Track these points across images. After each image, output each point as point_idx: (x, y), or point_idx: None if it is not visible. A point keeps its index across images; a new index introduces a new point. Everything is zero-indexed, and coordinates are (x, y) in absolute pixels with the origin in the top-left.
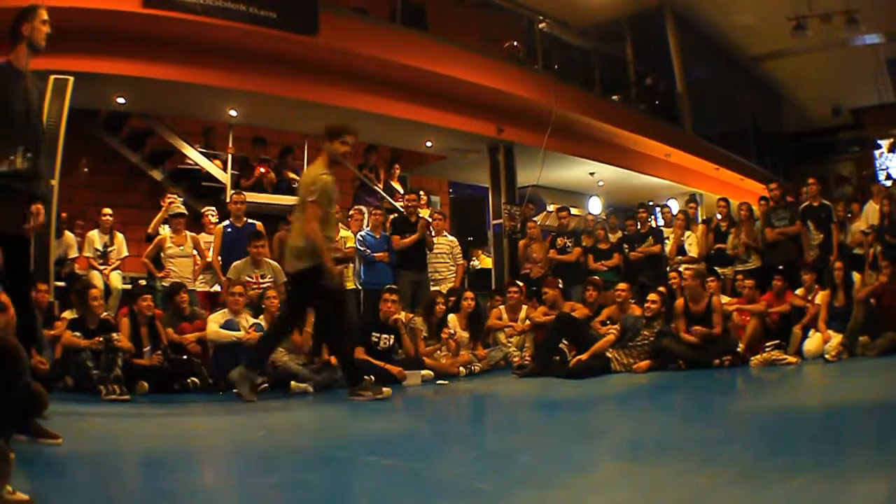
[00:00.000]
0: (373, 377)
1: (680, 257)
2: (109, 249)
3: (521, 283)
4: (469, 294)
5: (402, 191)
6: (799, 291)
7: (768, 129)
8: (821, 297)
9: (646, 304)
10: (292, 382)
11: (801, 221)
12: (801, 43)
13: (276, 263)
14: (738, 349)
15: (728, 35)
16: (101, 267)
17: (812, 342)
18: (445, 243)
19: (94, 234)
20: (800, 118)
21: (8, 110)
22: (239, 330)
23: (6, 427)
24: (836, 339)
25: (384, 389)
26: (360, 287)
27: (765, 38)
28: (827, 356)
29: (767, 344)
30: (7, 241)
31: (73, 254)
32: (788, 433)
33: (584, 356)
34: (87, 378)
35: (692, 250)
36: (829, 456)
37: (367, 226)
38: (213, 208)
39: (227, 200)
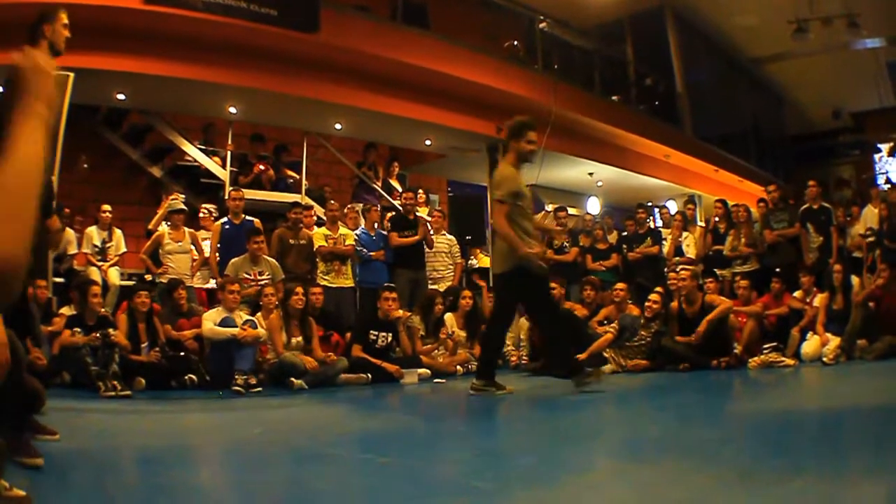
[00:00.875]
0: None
1: (678, 258)
2: (108, 246)
3: None
4: (467, 293)
5: (400, 189)
6: (797, 294)
7: (769, 131)
8: (819, 299)
9: (647, 304)
10: (292, 378)
11: (801, 224)
12: (803, 46)
13: (273, 261)
14: (736, 351)
15: (729, 36)
16: (100, 263)
17: (810, 345)
18: (444, 242)
19: (92, 230)
20: (800, 121)
21: None
22: (235, 327)
23: (1, 423)
24: (834, 341)
25: (596, 371)
26: (356, 285)
27: (766, 40)
28: (825, 359)
29: (765, 346)
30: None
31: (73, 250)
32: (786, 435)
33: (582, 356)
34: (85, 374)
35: (690, 251)
36: (828, 458)
37: (364, 223)
38: (209, 205)
39: (226, 197)
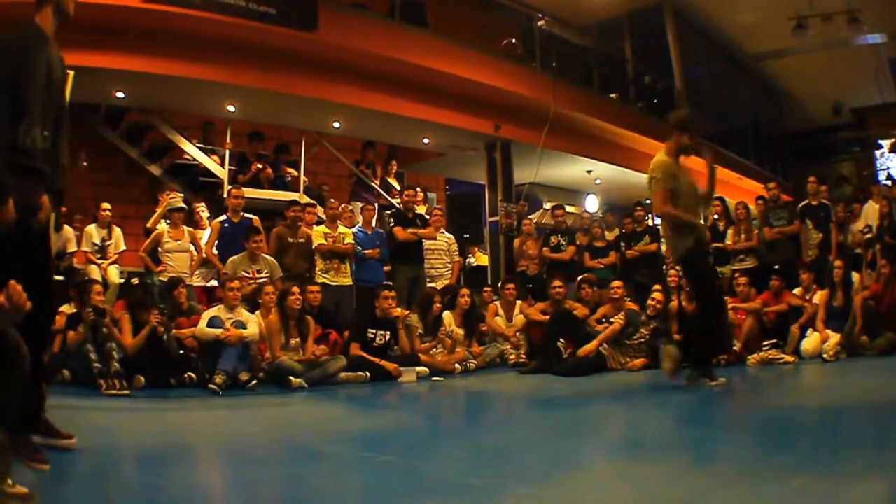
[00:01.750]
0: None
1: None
2: (107, 244)
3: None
4: (465, 291)
5: (399, 187)
6: (797, 291)
7: (769, 128)
8: (819, 296)
9: (649, 303)
10: (290, 377)
11: (800, 220)
12: (802, 42)
13: (272, 259)
14: (735, 348)
15: (728, 33)
16: (99, 261)
17: (810, 342)
18: (443, 240)
19: (91, 228)
20: (801, 117)
21: (29, 78)
22: (222, 326)
23: (6, 420)
24: (834, 338)
25: (720, 379)
26: (354, 283)
27: (765, 36)
28: (825, 356)
29: (764, 343)
30: (26, 226)
31: (72, 248)
32: (786, 432)
33: (590, 346)
34: (86, 372)
35: None
36: (828, 455)
37: (360, 222)
38: (204, 204)
39: (226, 195)
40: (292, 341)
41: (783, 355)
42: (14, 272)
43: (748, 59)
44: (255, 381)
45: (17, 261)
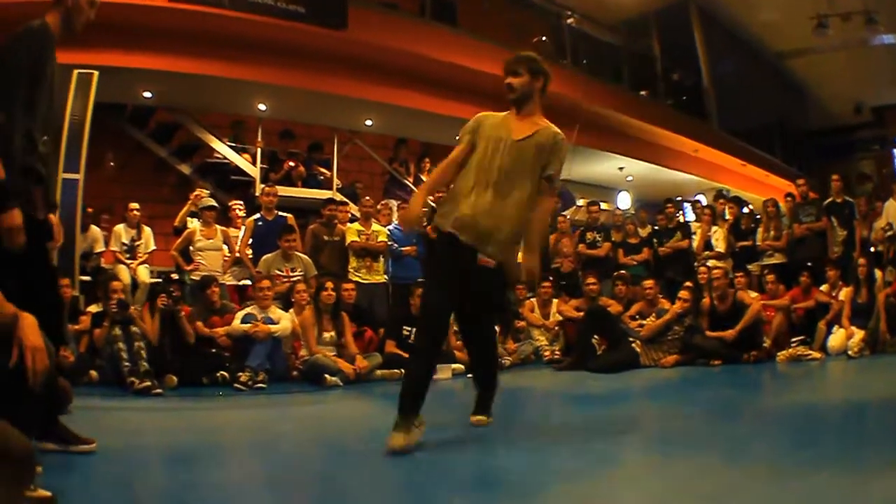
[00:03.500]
0: (403, 371)
1: (707, 252)
2: (137, 243)
3: (548, 282)
4: None
5: None
6: (823, 287)
7: (792, 125)
8: (844, 293)
9: (677, 302)
10: (326, 375)
11: (826, 218)
12: (823, 41)
13: (306, 257)
14: (765, 345)
15: (752, 31)
16: (128, 261)
17: (836, 338)
18: None
19: (120, 228)
20: (822, 115)
21: (42, 77)
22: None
23: (32, 426)
24: (858, 335)
25: None
26: (388, 281)
27: (788, 35)
28: (850, 352)
29: (793, 339)
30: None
31: (99, 248)
32: (813, 428)
33: (659, 320)
34: (116, 371)
35: (719, 245)
36: (852, 451)
37: (396, 220)
38: (241, 202)
39: (258, 194)
40: (326, 335)
41: (810, 352)
42: (16, 280)
43: (772, 57)
44: (264, 383)
45: (19, 268)
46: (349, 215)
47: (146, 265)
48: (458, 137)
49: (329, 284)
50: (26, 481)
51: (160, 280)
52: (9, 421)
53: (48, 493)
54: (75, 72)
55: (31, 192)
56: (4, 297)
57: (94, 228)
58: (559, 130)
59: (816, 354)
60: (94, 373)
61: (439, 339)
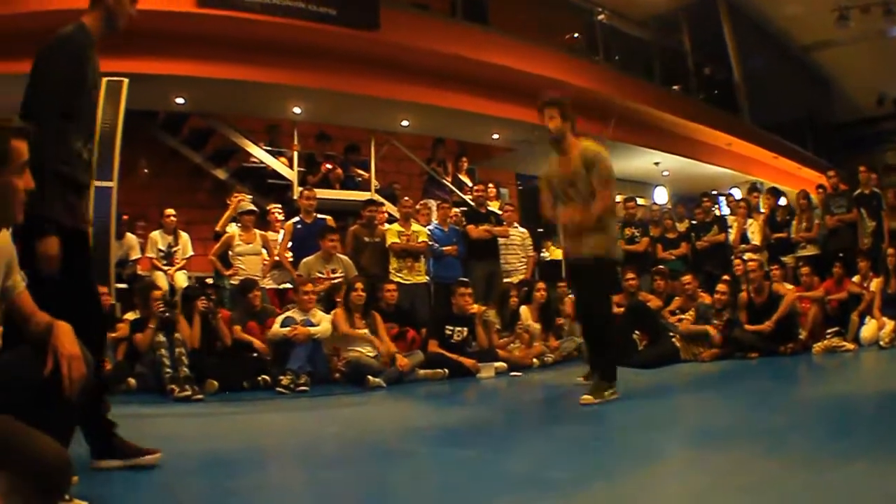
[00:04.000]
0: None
1: (743, 245)
2: (174, 249)
3: None
4: (541, 285)
5: (470, 184)
6: (855, 278)
7: (819, 118)
8: (875, 283)
9: (715, 296)
10: (369, 377)
11: (856, 209)
12: (845, 33)
13: (346, 258)
14: (801, 336)
15: (778, 25)
16: (165, 267)
17: (868, 329)
18: (516, 235)
19: (156, 234)
20: (848, 107)
21: (83, 83)
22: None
23: (67, 435)
24: (889, 325)
25: None
26: (429, 281)
27: (812, 27)
28: (881, 343)
29: (828, 331)
30: (71, 237)
31: (135, 255)
32: (847, 419)
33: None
34: (156, 378)
35: (755, 238)
36: (886, 441)
37: (436, 219)
38: (279, 206)
39: (297, 197)
40: (360, 332)
41: (844, 343)
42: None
43: (798, 51)
44: (307, 385)
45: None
46: (386, 216)
47: (184, 271)
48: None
49: (358, 285)
50: (61, 491)
51: (191, 285)
52: (44, 430)
53: (84, 503)
54: (105, 80)
55: (72, 202)
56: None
57: (130, 236)
58: (593, 149)
59: (850, 345)
60: (132, 380)
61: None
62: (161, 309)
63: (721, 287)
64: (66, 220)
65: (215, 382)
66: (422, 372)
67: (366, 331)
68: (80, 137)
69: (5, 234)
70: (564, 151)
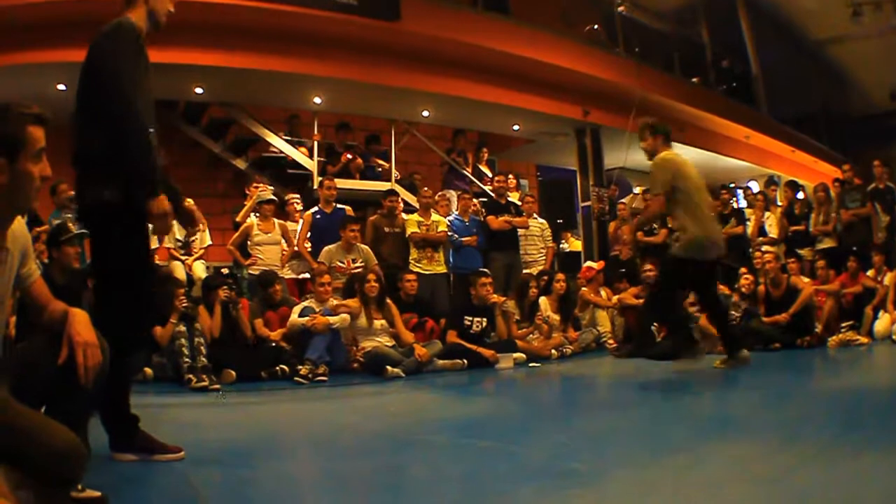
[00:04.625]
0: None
1: (761, 238)
2: (192, 239)
3: (595, 265)
4: (560, 276)
5: (490, 174)
6: (870, 272)
7: (834, 112)
8: (889, 277)
9: (738, 286)
10: (387, 367)
11: (871, 203)
12: (859, 28)
13: (367, 248)
14: (817, 330)
15: (795, 19)
16: (183, 257)
17: (881, 323)
18: (536, 226)
19: (174, 224)
20: (862, 102)
21: (147, 69)
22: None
23: (82, 423)
24: None
25: None
26: (449, 271)
27: (827, 21)
28: (894, 336)
29: (843, 325)
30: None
31: (153, 245)
32: (861, 412)
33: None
34: (175, 367)
35: (773, 231)
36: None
37: (456, 210)
38: (298, 196)
39: (317, 187)
40: (377, 323)
41: (858, 337)
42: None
43: (814, 45)
44: (325, 375)
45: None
46: (402, 205)
47: (202, 261)
48: None
49: (371, 276)
50: (74, 481)
51: (211, 275)
52: (59, 419)
53: (97, 493)
54: None
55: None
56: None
57: (148, 225)
58: (656, 160)
59: (864, 339)
60: (148, 370)
61: None
62: (185, 304)
63: (748, 276)
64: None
65: (233, 372)
66: (440, 362)
67: (382, 321)
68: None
69: (20, 221)
70: None
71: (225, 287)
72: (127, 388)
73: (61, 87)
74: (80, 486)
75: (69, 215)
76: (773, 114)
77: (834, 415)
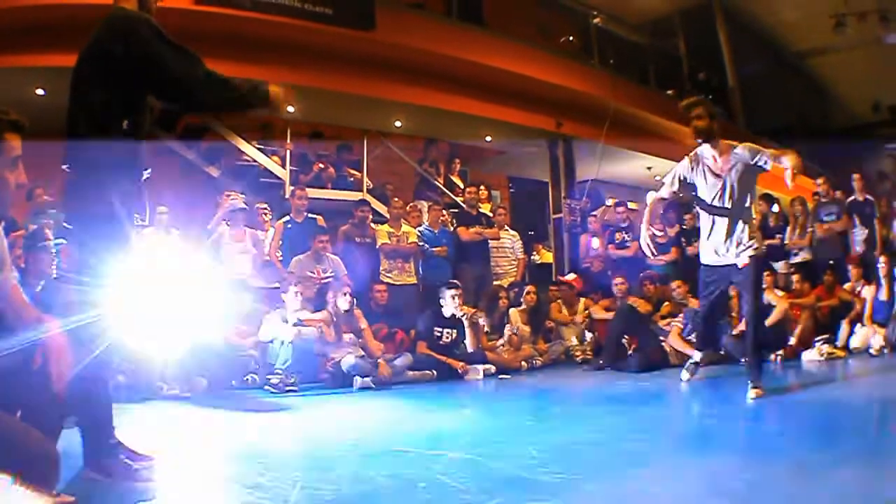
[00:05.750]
0: (434, 372)
1: None
2: None
3: (570, 278)
4: (531, 288)
5: (462, 185)
6: (847, 286)
7: (814, 124)
8: (866, 291)
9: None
10: (357, 378)
11: (848, 216)
12: (842, 40)
13: (337, 258)
14: (791, 343)
15: (774, 31)
16: None
17: (858, 337)
18: (507, 238)
19: (148, 231)
20: (843, 114)
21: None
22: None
23: (55, 430)
24: (880, 333)
25: None
26: (419, 282)
27: (808, 34)
28: (872, 351)
29: (817, 338)
30: None
31: None
32: (837, 427)
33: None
34: (147, 373)
35: None
36: (875, 448)
37: (427, 221)
38: (266, 205)
39: (289, 196)
40: (345, 337)
41: (835, 350)
42: None
43: (794, 57)
44: (295, 385)
45: None
46: (371, 216)
47: None
48: None
49: (346, 289)
50: (48, 485)
51: None
52: (33, 425)
53: (70, 498)
54: None
55: None
56: None
57: None
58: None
59: (840, 353)
60: (121, 377)
61: None
62: None
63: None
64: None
65: (203, 380)
66: (410, 373)
67: (350, 334)
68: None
69: None
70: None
71: None
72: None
73: (40, 91)
74: (53, 492)
75: (45, 220)
76: (751, 126)
77: (809, 429)
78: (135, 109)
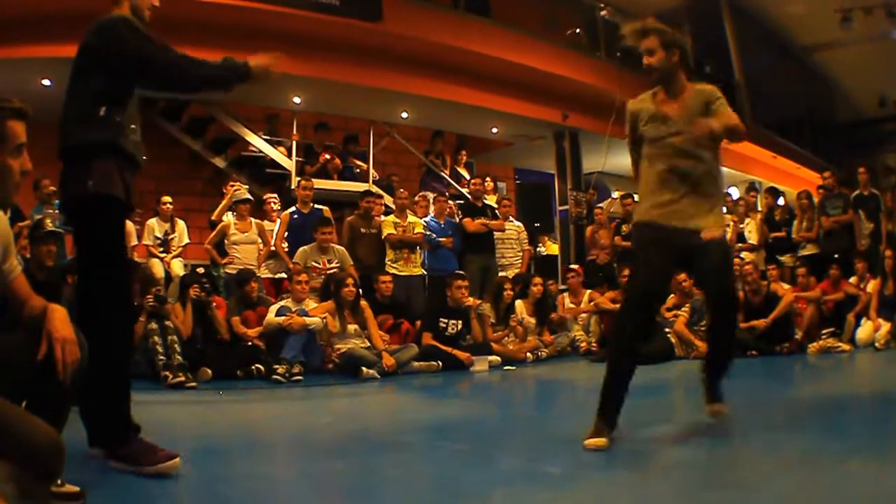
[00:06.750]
0: (440, 363)
1: (740, 245)
2: (170, 237)
3: (576, 267)
4: (537, 280)
5: (468, 177)
6: (852, 280)
7: (820, 118)
8: (872, 285)
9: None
10: (363, 368)
11: (853, 210)
12: (848, 34)
13: (342, 249)
14: (797, 336)
15: (781, 24)
16: (161, 254)
17: (863, 330)
18: (512, 229)
19: (153, 221)
20: (849, 109)
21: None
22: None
23: (61, 420)
24: (885, 327)
25: None
26: (425, 273)
27: (815, 28)
28: (877, 344)
29: (823, 331)
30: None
31: (132, 242)
32: (842, 419)
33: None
34: (149, 364)
35: (752, 237)
36: (880, 441)
37: (432, 212)
38: (276, 195)
39: (294, 187)
40: (350, 328)
41: (840, 344)
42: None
43: (800, 51)
44: (300, 375)
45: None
46: (383, 208)
47: (180, 259)
48: None
49: (349, 281)
50: (54, 476)
51: (196, 269)
52: (38, 414)
53: (76, 488)
54: None
55: (128, 181)
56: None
57: (127, 222)
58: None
59: (845, 346)
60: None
61: None
62: (151, 304)
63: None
64: (123, 195)
65: (209, 371)
66: (415, 364)
67: (355, 325)
68: (133, 119)
69: (2, 216)
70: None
71: (196, 286)
72: (125, 389)
73: (46, 82)
74: (59, 481)
75: (50, 211)
76: (757, 120)
77: (814, 422)
78: (116, 98)
